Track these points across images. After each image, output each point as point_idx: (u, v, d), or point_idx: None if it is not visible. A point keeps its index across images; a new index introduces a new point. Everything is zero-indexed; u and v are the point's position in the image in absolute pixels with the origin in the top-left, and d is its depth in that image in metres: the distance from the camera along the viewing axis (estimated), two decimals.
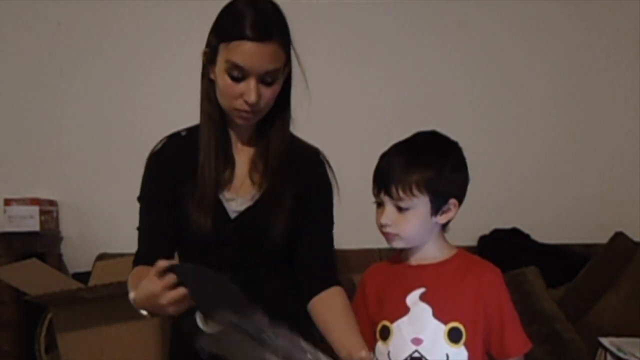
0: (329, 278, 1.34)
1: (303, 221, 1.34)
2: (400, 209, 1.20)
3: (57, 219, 2.39)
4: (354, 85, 2.46)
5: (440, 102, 2.47)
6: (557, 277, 2.17)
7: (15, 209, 2.25)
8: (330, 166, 1.42)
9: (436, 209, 1.21)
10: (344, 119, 2.41)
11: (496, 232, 2.34)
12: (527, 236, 2.37)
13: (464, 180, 1.25)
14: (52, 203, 2.36)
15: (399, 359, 1.21)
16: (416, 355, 1.20)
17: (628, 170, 2.49)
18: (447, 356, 1.19)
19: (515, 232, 2.37)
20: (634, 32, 2.51)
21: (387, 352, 1.23)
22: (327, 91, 2.33)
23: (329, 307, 1.29)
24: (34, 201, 2.26)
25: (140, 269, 1.27)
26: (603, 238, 2.23)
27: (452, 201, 1.23)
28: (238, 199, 1.33)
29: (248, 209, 1.33)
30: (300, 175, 1.36)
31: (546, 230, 2.37)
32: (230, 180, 1.34)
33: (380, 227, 1.23)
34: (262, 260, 1.34)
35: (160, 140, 1.39)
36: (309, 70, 1.33)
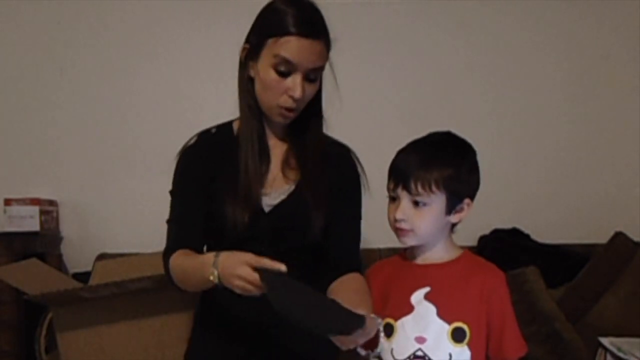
0: (352, 266, 1.36)
1: (334, 215, 1.36)
2: (416, 205, 1.21)
3: (57, 219, 2.39)
4: (359, 87, 2.44)
5: (442, 104, 2.47)
6: (557, 277, 2.17)
7: (15, 209, 2.25)
8: (360, 163, 1.45)
9: (451, 208, 1.22)
10: (347, 122, 2.39)
11: (496, 232, 2.34)
12: (527, 236, 2.37)
13: (477, 182, 1.27)
14: (52, 203, 2.36)
15: (402, 357, 1.22)
16: (419, 353, 1.21)
17: (628, 170, 2.49)
18: (450, 355, 1.20)
19: (515, 232, 2.37)
20: (634, 32, 2.51)
21: (390, 350, 1.24)
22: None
23: (347, 288, 1.30)
24: (34, 201, 2.26)
25: (185, 251, 1.30)
26: (603, 238, 2.23)
27: (466, 201, 1.24)
28: (271, 193, 1.35)
29: (282, 202, 1.34)
30: (333, 171, 1.38)
31: (546, 230, 2.37)
32: (265, 175, 1.36)
33: (394, 221, 1.23)
34: (294, 255, 1.33)
35: (192, 137, 1.42)
36: (335, 69, 1.35)
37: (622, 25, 2.52)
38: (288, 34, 1.23)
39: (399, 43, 2.48)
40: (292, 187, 1.36)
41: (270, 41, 1.25)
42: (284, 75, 1.25)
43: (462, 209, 1.24)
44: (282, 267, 1.11)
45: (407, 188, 1.20)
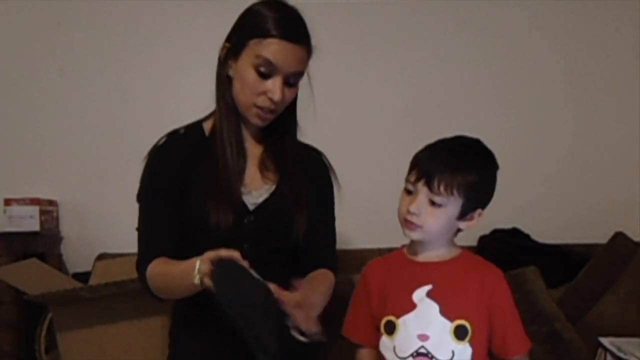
0: (326, 266, 1.37)
1: (311, 218, 1.36)
2: (432, 204, 1.21)
3: (57, 219, 2.38)
4: (358, 87, 2.46)
5: (442, 104, 2.47)
6: (557, 277, 2.17)
7: (15, 209, 2.25)
8: (331, 167, 1.46)
9: (463, 214, 1.23)
10: (347, 122, 2.42)
11: (496, 232, 2.34)
12: (527, 236, 2.37)
13: (491, 195, 1.28)
14: (52, 203, 2.36)
15: (405, 354, 1.23)
16: (422, 350, 1.22)
17: (628, 170, 2.49)
18: (453, 353, 1.21)
19: (515, 232, 2.37)
20: (634, 33, 2.51)
21: (392, 347, 1.25)
22: (332, 93, 2.34)
23: (313, 274, 1.32)
24: (34, 201, 2.26)
25: (164, 260, 1.28)
26: (603, 238, 2.23)
27: (478, 211, 1.26)
28: (252, 192, 1.35)
29: (266, 201, 1.34)
30: (308, 174, 1.38)
31: (546, 230, 2.37)
32: (242, 173, 1.35)
33: (407, 213, 1.23)
34: (275, 256, 1.34)
35: (160, 138, 1.40)
36: (316, 71, 1.36)
37: (622, 26, 2.52)
38: (272, 36, 1.24)
39: (399, 43, 2.48)
40: (273, 187, 1.36)
41: (252, 42, 1.26)
42: (264, 76, 1.26)
43: (472, 218, 1.25)
44: (236, 254, 1.11)
45: (428, 185, 1.20)
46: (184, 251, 1.34)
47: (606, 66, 2.52)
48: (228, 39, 1.32)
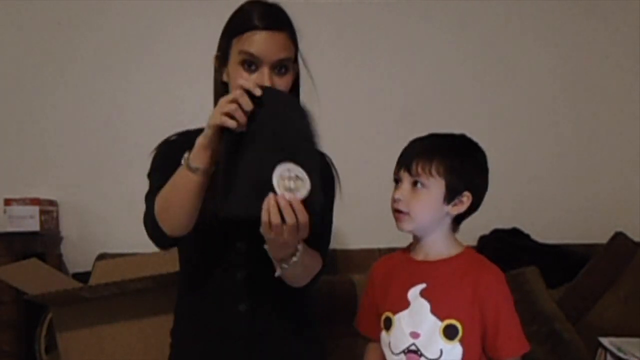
0: None
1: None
2: (415, 186, 1.24)
3: (57, 219, 2.39)
4: (357, 87, 2.47)
5: (441, 104, 2.48)
6: (557, 277, 2.17)
7: (15, 209, 2.25)
8: (333, 165, 1.46)
9: (449, 197, 1.24)
10: (346, 122, 2.42)
11: (496, 232, 2.34)
12: (527, 236, 2.37)
13: (482, 181, 1.29)
14: (52, 203, 2.36)
15: (398, 350, 1.26)
16: (413, 348, 1.24)
17: (628, 170, 2.50)
18: (441, 352, 1.22)
19: (515, 232, 2.37)
20: (634, 33, 2.51)
21: (388, 343, 1.28)
22: (332, 93, 2.34)
23: None
24: (34, 201, 2.26)
25: None
26: (603, 238, 2.23)
27: (466, 194, 1.26)
28: None
29: None
30: None
31: (546, 230, 2.37)
32: None
33: (393, 202, 1.26)
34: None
35: (171, 135, 1.43)
36: (315, 71, 1.36)
37: (622, 25, 2.52)
38: (249, 29, 1.26)
39: (397, 42, 2.49)
40: None
41: (234, 40, 1.28)
42: (251, 70, 1.27)
43: (461, 202, 1.26)
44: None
45: (408, 169, 1.24)
46: (182, 244, 1.36)
47: (606, 66, 2.53)
48: (218, 48, 1.35)
